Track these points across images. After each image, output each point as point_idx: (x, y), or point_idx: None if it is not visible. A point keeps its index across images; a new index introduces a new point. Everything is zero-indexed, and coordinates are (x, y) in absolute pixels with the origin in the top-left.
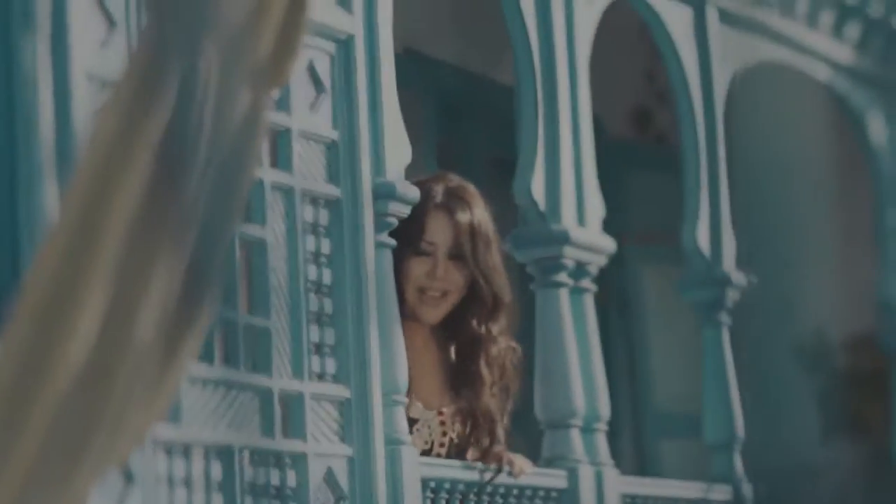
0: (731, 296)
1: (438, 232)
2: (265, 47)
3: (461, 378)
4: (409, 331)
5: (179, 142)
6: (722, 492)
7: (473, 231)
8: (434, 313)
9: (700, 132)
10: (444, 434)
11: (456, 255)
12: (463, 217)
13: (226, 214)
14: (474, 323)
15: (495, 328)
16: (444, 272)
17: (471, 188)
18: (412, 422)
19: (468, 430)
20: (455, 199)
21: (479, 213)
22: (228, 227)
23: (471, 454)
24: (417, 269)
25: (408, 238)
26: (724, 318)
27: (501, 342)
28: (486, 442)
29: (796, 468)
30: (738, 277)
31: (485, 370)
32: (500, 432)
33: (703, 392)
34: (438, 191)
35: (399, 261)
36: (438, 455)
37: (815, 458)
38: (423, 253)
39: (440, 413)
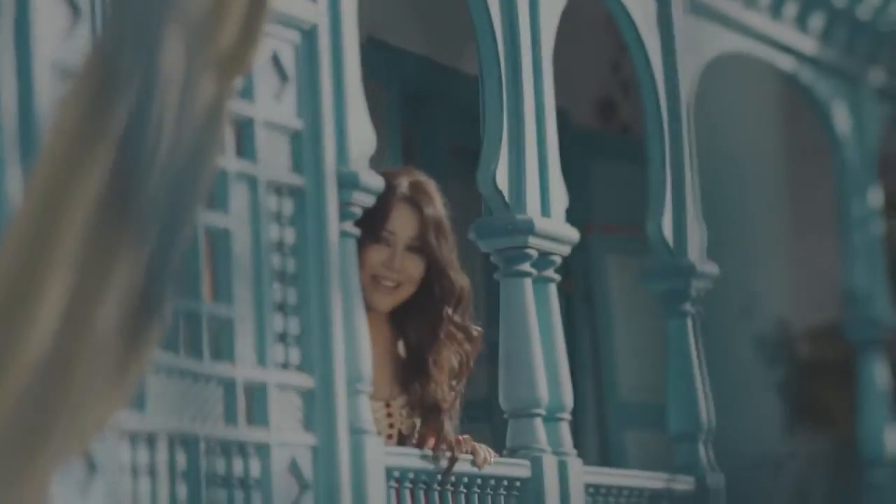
0: (696, 286)
1: (401, 223)
2: (227, 36)
3: (412, 371)
4: None
5: (141, 131)
6: (686, 482)
7: (438, 225)
8: (385, 301)
9: (665, 122)
10: (391, 426)
11: (415, 248)
12: (429, 211)
13: (187, 204)
14: (448, 312)
15: (460, 318)
16: (400, 263)
17: (433, 184)
18: None
19: (418, 424)
20: (421, 193)
21: (441, 209)
22: (190, 217)
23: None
24: (375, 256)
25: (369, 225)
26: (689, 308)
27: (468, 332)
28: (436, 436)
29: (759, 458)
30: (703, 267)
31: (435, 366)
32: (448, 428)
33: (668, 382)
34: (403, 183)
35: (358, 247)
36: None
37: (777, 448)
38: (382, 241)
39: (387, 405)
